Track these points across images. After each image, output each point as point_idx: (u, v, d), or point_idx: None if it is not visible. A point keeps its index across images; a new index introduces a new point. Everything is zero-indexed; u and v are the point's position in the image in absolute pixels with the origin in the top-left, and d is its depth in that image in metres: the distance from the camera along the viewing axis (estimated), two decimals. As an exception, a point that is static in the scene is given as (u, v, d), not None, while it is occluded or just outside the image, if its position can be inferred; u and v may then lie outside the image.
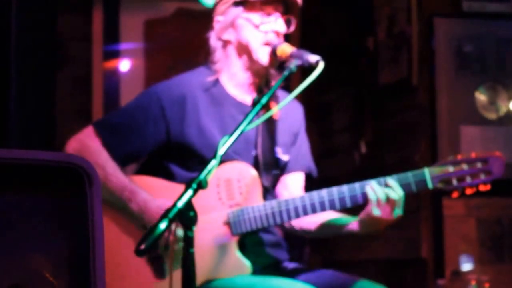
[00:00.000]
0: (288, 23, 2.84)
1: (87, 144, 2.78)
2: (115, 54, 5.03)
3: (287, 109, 2.89)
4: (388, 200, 2.62)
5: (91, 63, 4.84)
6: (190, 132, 2.79)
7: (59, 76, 4.80)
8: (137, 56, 5.09)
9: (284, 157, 2.91)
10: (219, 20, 2.86)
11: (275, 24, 2.80)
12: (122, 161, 2.80)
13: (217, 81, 2.86)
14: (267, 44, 2.79)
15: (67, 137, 2.90)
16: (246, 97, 2.85)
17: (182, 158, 2.81)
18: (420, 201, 4.29)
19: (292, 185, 2.95)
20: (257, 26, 2.79)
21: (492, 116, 4.45)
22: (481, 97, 4.43)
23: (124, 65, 5.06)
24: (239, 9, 2.81)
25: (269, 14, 2.80)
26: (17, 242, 1.40)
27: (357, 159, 4.85)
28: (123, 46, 5.06)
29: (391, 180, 2.65)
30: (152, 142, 2.80)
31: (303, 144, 3.00)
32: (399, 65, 4.53)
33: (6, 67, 3.52)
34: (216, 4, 2.89)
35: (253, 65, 2.83)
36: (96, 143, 2.78)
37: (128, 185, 2.73)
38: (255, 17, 2.80)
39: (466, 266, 4.21)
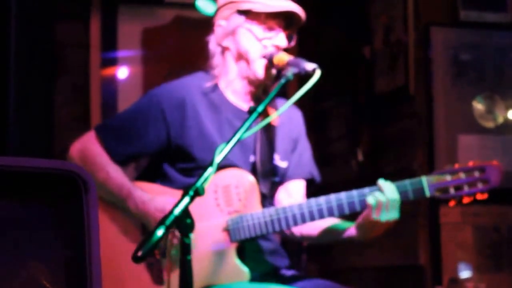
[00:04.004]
0: (289, 38, 2.84)
1: (89, 147, 2.81)
2: (113, 62, 5.04)
3: (286, 115, 2.90)
4: (387, 201, 2.64)
5: (89, 71, 4.85)
6: (190, 135, 2.79)
7: (58, 83, 4.81)
8: (135, 64, 5.09)
9: (282, 164, 2.91)
10: (220, 24, 2.86)
11: (276, 39, 2.81)
12: (123, 162, 2.83)
13: (216, 86, 2.87)
14: (264, 57, 2.80)
15: (66, 144, 2.92)
16: (243, 104, 2.86)
17: (181, 162, 2.81)
18: (417, 208, 4.29)
19: (294, 192, 2.95)
20: (258, 39, 2.80)
21: (489, 125, 4.45)
22: (478, 106, 4.44)
23: (122, 72, 5.06)
24: (242, 18, 2.82)
25: (270, 29, 2.81)
26: (14, 249, 1.39)
27: (354, 167, 4.86)
28: (121, 53, 5.06)
29: (386, 184, 2.67)
30: (153, 145, 2.82)
31: (305, 150, 3.00)
32: (396, 73, 4.54)
33: (5, 74, 3.52)
34: (219, 8, 2.89)
35: (248, 75, 2.84)
36: (97, 146, 2.81)
37: (126, 184, 2.76)
38: (257, 29, 2.81)
39: (464, 273, 4.21)
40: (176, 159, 2.82)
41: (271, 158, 2.89)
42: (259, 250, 2.85)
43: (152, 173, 2.90)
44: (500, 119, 4.46)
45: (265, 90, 2.87)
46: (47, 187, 1.41)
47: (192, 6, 4.76)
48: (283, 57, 2.75)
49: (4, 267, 1.37)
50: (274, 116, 2.79)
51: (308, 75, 2.62)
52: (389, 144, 4.65)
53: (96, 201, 1.43)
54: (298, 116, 3.03)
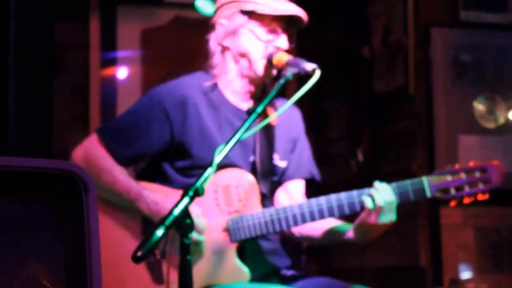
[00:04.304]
0: (290, 40, 2.84)
1: (93, 151, 2.79)
2: (112, 62, 5.03)
3: (285, 115, 2.88)
4: (384, 204, 2.64)
5: (89, 71, 4.85)
6: (192, 133, 2.78)
7: (57, 83, 4.81)
8: (134, 64, 5.09)
9: (281, 163, 2.90)
10: (222, 23, 2.85)
11: (278, 41, 2.80)
12: (127, 163, 2.82)
13: (215, 86, 2.87)
14: (264, 56, 2.80)
15: (65, 145, 2.92)
16: (243, 104, 2.86)
17: (179, 160, 2.81)
18: (418, 209, 4.29)
19: (294, 192, 2.94)
20: (261, 41, 2.78)
21: (490, 125, 4.45)
22: (479, 106, 4.44)
23: (121, 72, 5.06)
24: (245, 18, 2.80)
25: (273, 31, 2.80)
26: (14, 249, 1.39)
27: (354, 167, 4.85)
28: (120, 54, 5.06)
29: (383, 185, 2.67)
30: (158, 145, 2.80)
31: (304, 150, 2.99)
32: (395, 74, 4.54)
33: (4, 75, 3.52)
34: (220, 6, 2.87)
35: (249, 75, 2.83)
36: (101, 149, 2.79)
37: (135, 186, 2.74)
38: (260, 31, 2.79)
39: (465, 274, 4.21)
40: (175, 157, 2.82)
41: (270, 158, 2.88)
42: (260, 250, 2.85)
43: (151, 173, 2.89)
44: (501, 120, 4.46)
45: (264, 90, 2.86)
46: (47, 187, 1.41)
47: (191, 6, 4.76)
48: (282, 57, 2.74)
49: (4, 267, 1.37)
50: (273, 117, 2.78)
51: (308, 75, 2.61)
52: (389, 144, 4.64)
53: (96, 201, 1.43)
54: (297, 116, 3.02)
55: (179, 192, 2.27)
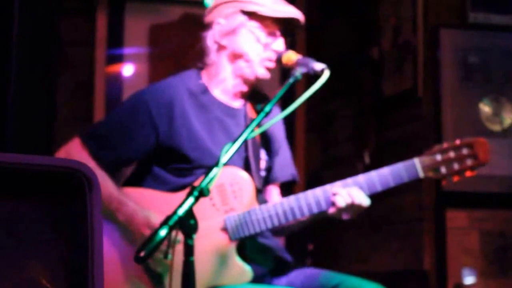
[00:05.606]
0: (286, 42, 2.86)
1: (75, 155, 2.76)
2: (119, 59, 4.99)
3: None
4: (353, 204, 2.67)
5: (94, 68, 4.81)
6: (179, 135, 2.78)
7: (61, 80, 4.78)
8: (140, 61, 5.05)
9: (265, 160, 2.92)
10: (220, 23, 2.84)
11: (275, 43, 2.83)
12: (111, 169, 2.79)
13: (204, 85, 2.87)
14: (264, 59, 2.81)
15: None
16: (232, 102, 2.87)
17: (176, 163, 2.79)
18: (423, 213, 4.26)
19: (274, 194, 2.98)
20: (260, 42, 2.80)
21: (496, 128, 4.43)
22: (485, 108, 4.42)
23: (127, 69, 5.02)
24: (245, 18, 2.81)
25: (272, 34, 2.82)
26: (15, 249, 1.37)
27: (360, 170, 4.83)
28: (127, 50, 5.02)
29: (357, 191, 2.69)
30: (142, 148, 2.79)
31: (286, 152, 3.02)
32: (404, 75, 4.52)
33: (8, 71, 3.50)
34: (218, 5, 2.87)
35: (244, 75, 2.83)
36: (83, 154, 2.77)
37: (116, 195, 2.72)
38: (260, 32, 2.80)
39: (469, 279, 4.19)
40: (170, 161, 2.80)
41: (259, 153, 2.89)
42: (261, 248, 2.85)
43: (141, 175, 2.87)
44: (507, 122, 4.44)
45: (254, 91, 2.88)
46: (50, 185, 1.40)
47: (200, 3, 4.72)
48: (292, 57, 2.78)
49: (5, 266, 1.35)
50: (280, 117, 2.76)
51: (317, 75, 2.64)
52: (396, 146, 4.63)
53: (100, 200, 1.40)
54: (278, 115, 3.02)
55: (169, 196, 2.26)
